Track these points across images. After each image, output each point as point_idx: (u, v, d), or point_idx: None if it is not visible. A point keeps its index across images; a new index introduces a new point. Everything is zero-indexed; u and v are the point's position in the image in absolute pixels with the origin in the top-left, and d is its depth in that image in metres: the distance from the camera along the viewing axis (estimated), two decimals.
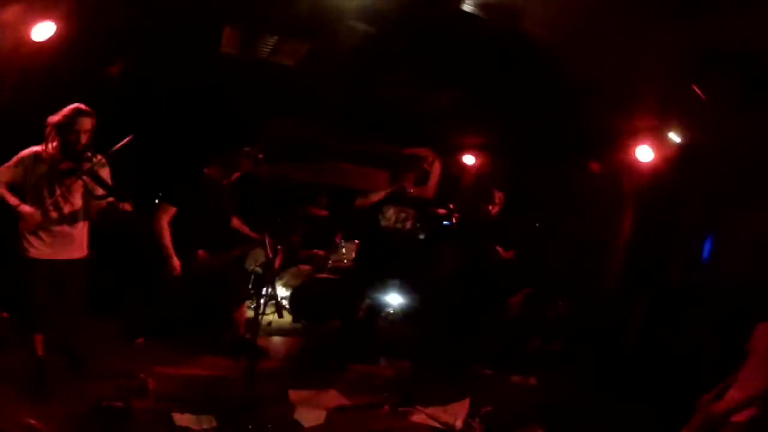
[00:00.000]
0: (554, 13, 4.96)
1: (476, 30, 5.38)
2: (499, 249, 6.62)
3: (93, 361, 5.09)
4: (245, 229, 6.21)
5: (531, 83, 6.11)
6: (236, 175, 6.02)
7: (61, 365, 4.92)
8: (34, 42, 5.46)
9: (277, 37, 6.60)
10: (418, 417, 4.89)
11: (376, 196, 6.61)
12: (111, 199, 4.56)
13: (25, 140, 4.76)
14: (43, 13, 5.48)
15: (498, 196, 6.78)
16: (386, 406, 5.05)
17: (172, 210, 5.70)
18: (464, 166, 9.02)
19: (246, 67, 7.31)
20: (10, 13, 5.28)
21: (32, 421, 4.02)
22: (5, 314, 5.48)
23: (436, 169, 6.94)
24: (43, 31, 5.47)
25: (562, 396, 5.60)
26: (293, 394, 5.06)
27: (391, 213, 6.68)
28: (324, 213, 7.85)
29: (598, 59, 5.14)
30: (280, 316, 6.77)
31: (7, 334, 5.28)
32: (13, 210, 4.57)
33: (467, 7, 5.25)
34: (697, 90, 5.06)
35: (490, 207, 6.77)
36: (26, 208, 4.55)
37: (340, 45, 6.23)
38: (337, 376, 5.58)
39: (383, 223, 6.66)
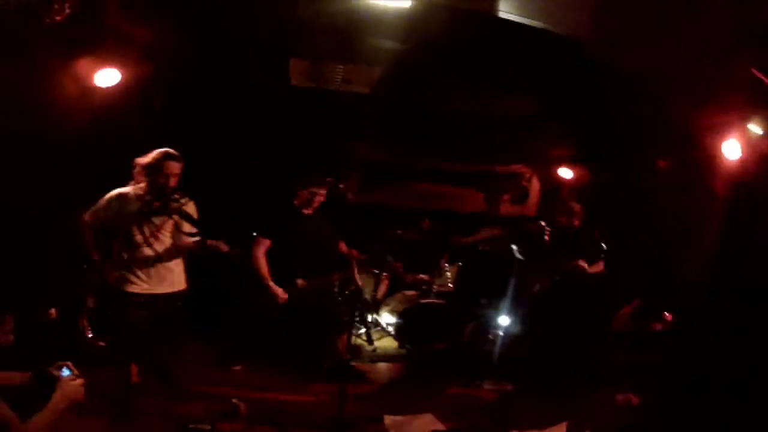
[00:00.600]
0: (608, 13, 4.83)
1: (542, 39, 5.32)
2: (582, 263, 6.34)
3: (187, 386, 5.27)
4: (353, 253, 6.31)
5: (603, 87, 5.92)
6: (318, 203, 6.13)
7: (153, 388, 5.11)
8: (100, 88, 5.85)
9: (343, 66, 6.74)
10: None
11: (481, 236, 6.53)
12: (198, 238, 4.84)
13: (96, 179, 5.17)
14: (109, 62, 5.88)
15: (576, 207, 6.55)
16: (484, 431, 4.96)
17: (267, 242, 5.90)
18: (561, 179, 8.76)
19: (322, 97, 7.49)
20: (79, 64, 5.76)
21: None
22: (102, 343, 5.85)
23: (534, 185, 6.81)
24: (107, 77, 5.86)
25: (664, 416, 5.29)
26: (388, 419, 5.01)
27: (487, 235, 6.61)
28: (427, 237, 7.85)
29: (664, 54, 4.91)
30: (370, 342, 6.95)
31: (103, 360, 5.60)
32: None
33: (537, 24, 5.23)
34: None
35: (570, 220, 6.53)
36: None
37: (409, 66, 6.31)
38: (436, 400, 5.50)
39: (481, 246, 6.60)
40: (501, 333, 6.46)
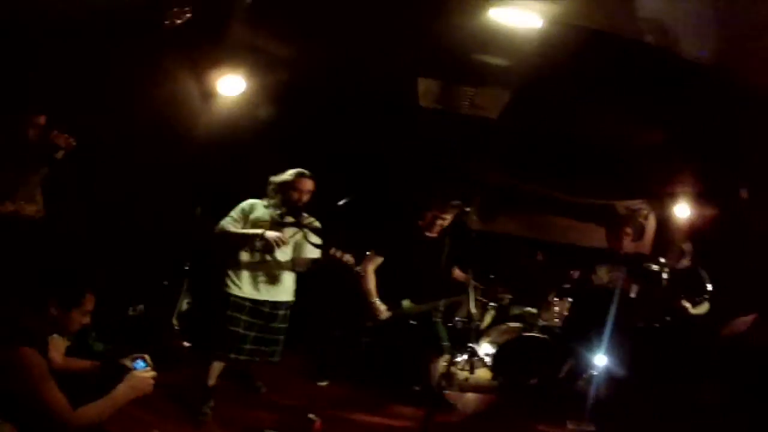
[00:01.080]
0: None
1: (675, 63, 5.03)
2: (686, 304, 5.96)
3: (267, 394, 5.44)
4: (467, 280, 6.18)
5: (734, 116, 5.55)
6: (441, 227, 6.03)
7: (231, 392, 5.28)
8: (222, 95, 6.08)
9: (473, 90, 6.66)
10: None
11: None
12: (321, 251, 5.04)
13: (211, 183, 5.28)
14: (232, 68, 6.04)
15: (688, 248, 6.14)
16: None
17: (379, 259, 5.92)
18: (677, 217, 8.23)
19: (450, 121, 7.47)
20: (202, 69, 5.93)
21: None
22: (187, 343, 6.02)
23: (651, 222, 6.44)
24: (231, 85, 6.04)
25: None
26: None
27: (603, 272, 6.30)
28: (540, 270, 7.60)
29: None
30: (471, 371, 6.82)
31: (183, 360, 5.76)
32: (251, 239, 5.05)
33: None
34: None
35: (681, 260, 6.18)
36: (270, 233, 5.01)
37: (538, 92, 6.18)
38: None
39: (596, 282, 6.31)
40: (596, 372, 6.13)
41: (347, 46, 6.12)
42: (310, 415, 4.91)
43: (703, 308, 6.09)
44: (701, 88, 5.38)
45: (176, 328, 6.15)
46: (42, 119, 4.66)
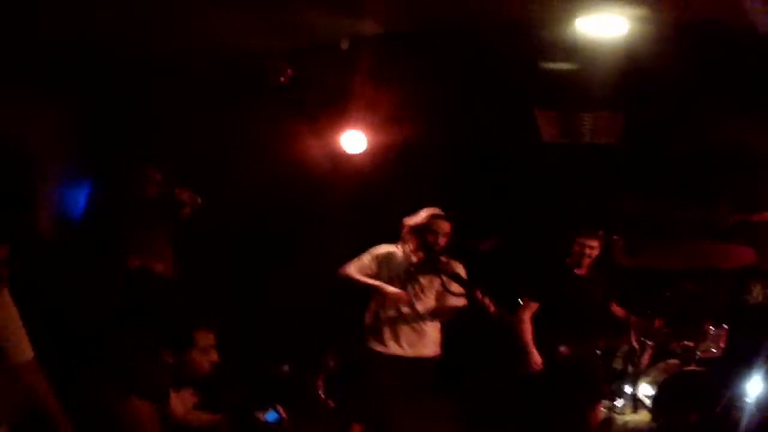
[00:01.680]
0: None
1: None
2: None
3: None
4: (628, 317, 5.98)
5: None
6: (590, 260, 5.71)
7: None
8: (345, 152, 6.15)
9: (590, 115, 6.48)
10: None
11: None
12: (465, 299, 4.78)
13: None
14: (354, 124, 6.05)
15: None
16: None
17: (535, 306, 5.62)
18: None
19: (575, 153, 7.35)
20: (320, 126, 5.91)
21: None
22: (332, 405, 5.88)
23: None
24: (354, 142, 6.09)
25: None
26: None
27: (758, 290, 5.83)
28: (691, 300, 7.11)
29: None
30: (635, 410, 6.38)
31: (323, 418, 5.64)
32: (374, 292, 4.91)
33: None
34: None
35: None
36: (391, 290, 4.83)
37: (648, 105, 5.98)
38: None
39: (751, 301, 5.84)
40: (751, 402, 5.64)
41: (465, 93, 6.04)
42: None
43: None
44: None
45: (322, 387, 6.06)
46: (158, 175, 4.65)
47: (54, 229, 5.01)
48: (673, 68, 5.20)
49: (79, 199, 5.14)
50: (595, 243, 5.67)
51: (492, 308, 4.76)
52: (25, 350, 2.44)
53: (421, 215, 4.95)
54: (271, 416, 3.14)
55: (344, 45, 5.28)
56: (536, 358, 5.48)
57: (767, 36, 4.55)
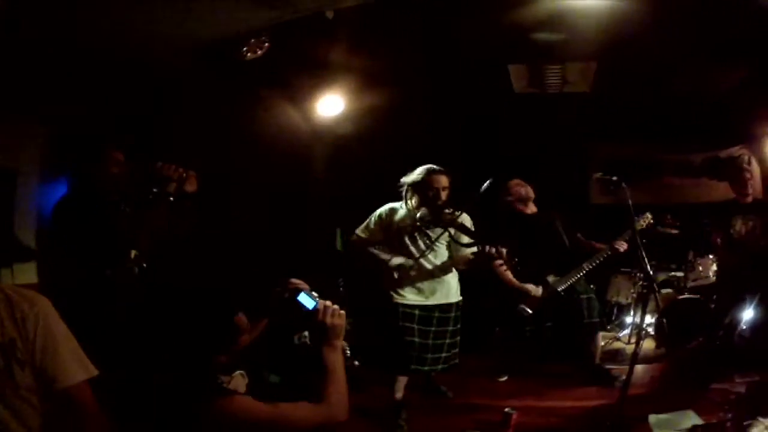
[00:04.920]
0: None
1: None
2: None
3: (454, 398, 5.39)
4: (590, 244, 6.08)
5: None
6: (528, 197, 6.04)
7: (419, 402, 5.23)
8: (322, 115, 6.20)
9: (560, 66, 6.68)
10: (757, 429, 4.44)
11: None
12: (476, 249, 4.77)
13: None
14: (331, 88, 6.10)
15: None
16: (730, 422, 4.65)
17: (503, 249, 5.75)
18: None
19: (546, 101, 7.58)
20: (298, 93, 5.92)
21: None
22: (357, 363, 5.88)
23: (755, 167, 6.23)
24: (330, 106, 6.16)
25: None
26: (653, 418, 4.85)
27: (739, 224, 6.07)
28: (673, 231, 7.34)
29: None
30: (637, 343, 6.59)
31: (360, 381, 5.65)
32: (383, 263, 4.96)
33: None
34: None
35: None
36: (398, 259, 4.91)
37: (624, 55, 6.15)
38: (695, 397, 5.22)
39: (735, 236, 6.07)
40: (746, 326, 5.92)
41: (439, 52, 6.11)
42: (506, 409, 4.80)
43: None
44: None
45: (346, 348, 6.03)
46: (119, 155, 4.37)
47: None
48: (644, 20, 5.39)
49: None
50: (523, 184, 6.05)
51: (502, 252, 4.77)
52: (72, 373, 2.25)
53: (416, 172, 4.95)
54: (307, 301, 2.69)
55: (329, 15, 5.23)
56: (526, 287, 5.74)
57: None
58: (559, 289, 5.80)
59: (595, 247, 6.00)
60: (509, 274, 5.75)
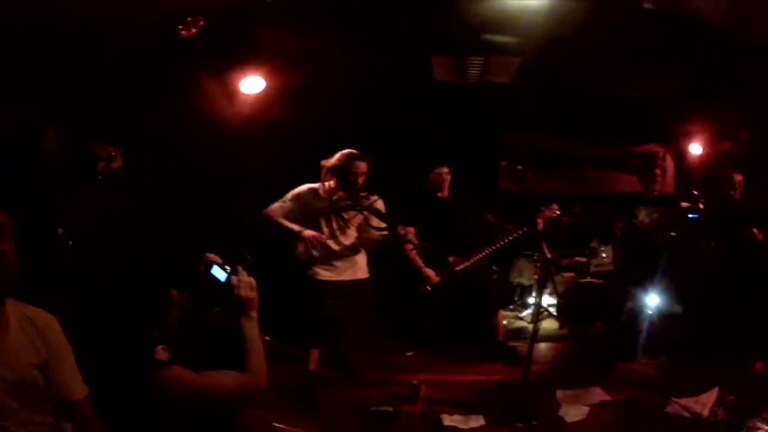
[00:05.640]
0: None
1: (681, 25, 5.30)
2: (756, 231, 6.13)
3: (364, 372, 5.59)
4: (498, 224, 6.45)
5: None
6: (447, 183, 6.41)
7: (331, 376, 5.44)
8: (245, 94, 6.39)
9: (483, 58, 6.91)
10: (672, 408, 4.88)
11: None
12: (386, 232, 5.06)
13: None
14: (253, 69, 6.30)
15: (737, 178, 6.35)
16: (645, 400, 5.08)
17: (412, 230, 5.99)
18: (692, 155, 8.46)
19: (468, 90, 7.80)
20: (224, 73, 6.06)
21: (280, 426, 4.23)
22: (268, 338, 6.08)
23: (669, 163, 6.64)
24: (251, 85, 6.35)
25: None
26: (560, 394, 5.18)
27: (643, 214, 6.49)
28: (578, 221, 7.74)
29: None
30: (539, 319, 6.96)
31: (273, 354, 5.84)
32: (295, 236, 5.15)
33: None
34: None
35: (732, 191, 6.36)
36: (309, 232, 5.09)
37: (548, 55, 6.38)
38: (602, 375, 5.58)
39: (637, 225, 6.50)
40: (653, 312, 6.38)
41: (362, 36, 6.26)
42: (414, 382, 5.09)
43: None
44: (708, 44, 5.63)
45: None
46: (52, 131, 4.49)
47: None
48: (573, 27, 5.64)
49: None
50: (446, 170, 6.44)
51: (412, 237, 5.09)
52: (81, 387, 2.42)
53: (337, 156, 5.08)
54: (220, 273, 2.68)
55: None
56: (428, 272, 6.13)
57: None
58: (458, 269, 6.16)
59: (506, 227, 6.36)
60: (415, 254, 6.14)
